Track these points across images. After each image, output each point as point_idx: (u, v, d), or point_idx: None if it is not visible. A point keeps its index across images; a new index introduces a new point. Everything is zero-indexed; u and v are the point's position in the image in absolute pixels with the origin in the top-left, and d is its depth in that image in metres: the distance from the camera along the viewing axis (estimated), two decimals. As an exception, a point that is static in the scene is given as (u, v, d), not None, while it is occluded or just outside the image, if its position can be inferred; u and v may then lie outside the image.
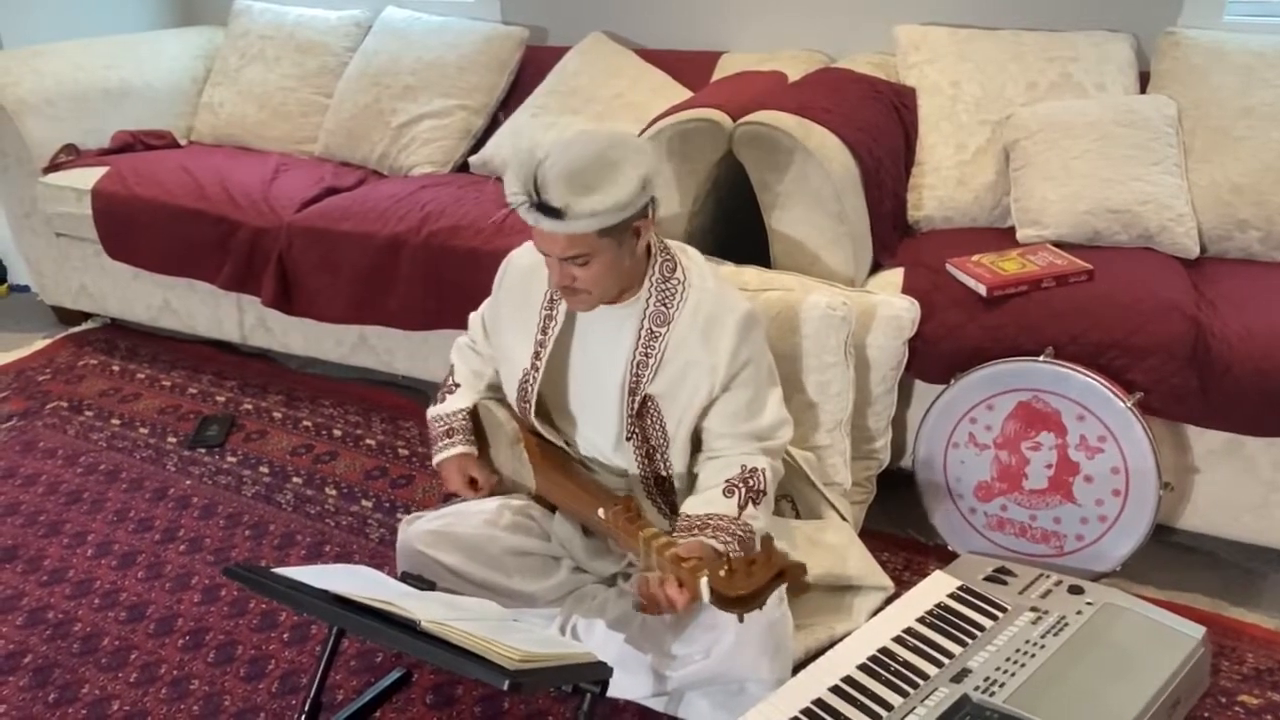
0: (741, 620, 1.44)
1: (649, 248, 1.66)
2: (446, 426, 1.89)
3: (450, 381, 1.95)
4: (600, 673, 1.45)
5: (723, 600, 1.39)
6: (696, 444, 1.72)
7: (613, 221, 1.51)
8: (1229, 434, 1.97)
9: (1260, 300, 2.03)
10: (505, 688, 1.23)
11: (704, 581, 1.40)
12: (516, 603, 1.75)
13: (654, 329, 1.66)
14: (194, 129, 3.50)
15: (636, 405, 1.68)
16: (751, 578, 1.38)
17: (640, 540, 1.54)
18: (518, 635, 1.40)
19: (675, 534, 1.60)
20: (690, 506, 1.64)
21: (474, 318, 1.95)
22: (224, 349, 3.18)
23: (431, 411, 1.93)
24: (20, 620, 2.05)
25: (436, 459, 1.88)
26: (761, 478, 1.65)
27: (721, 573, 1.39)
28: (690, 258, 1.71)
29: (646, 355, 1.66)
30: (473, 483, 1.86)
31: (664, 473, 1.73)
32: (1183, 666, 1.63)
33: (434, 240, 2.54)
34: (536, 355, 1.74)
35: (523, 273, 1.79)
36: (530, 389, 1.75)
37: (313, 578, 1.48)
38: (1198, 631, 1.70)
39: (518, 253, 1.83)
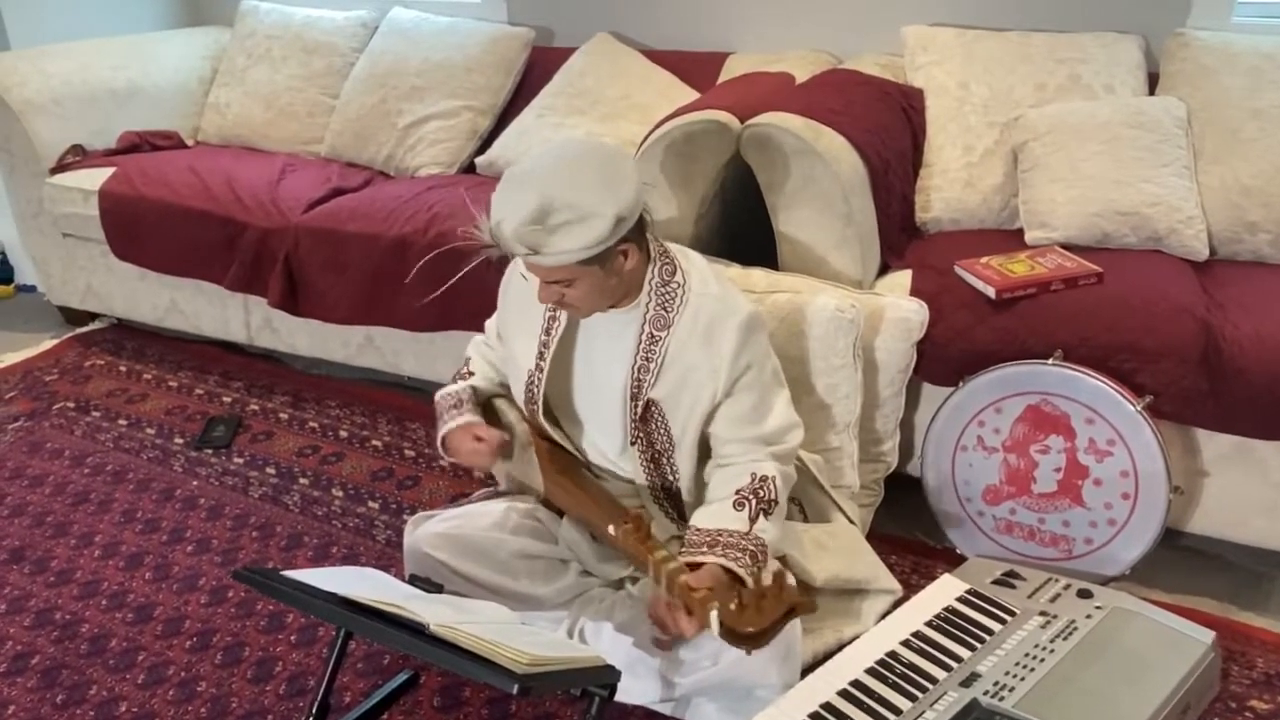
0: (749, 654, 1.43)
1: (647, 252, 1.66)
2: (455, 399, 1.85)
3: (465, 370, 1.94)
4: (609, 676, 1.44)
5: (732, 635, 1.38)
6: (705, 450, 1.71)
7: (588, 255, 1.51)
8: (1239, 437, 1.97)
9: (1270, 303, 2.02)
10: (514, 691, 1.23)
11: (714, 615, 1.38)
12: (524, 606, 1.74)
13: (654, 333, 1.65)
14: (201, 129, 3.51)
15: (639, 410, 1.67)
16: (762, 614, 1.37)
17: (650, 563, 1.53)
18: (526, 638, 1.40)
19: (685, 549, 1.59)
20: (700, 519, 1.63)
21: (490, 322, 1.96)
22: (230, 350, 3.18)
23: (440, 392, 1.90)
24: (28, 621, 2.05)
25: (443, 430, 1.82)
26: (772, 487, 1.63)
27: (732, 606, 1.38)
28: (691, 261, 1.70)
29: (648, 360, 1.66)
30: (479, 441, 1.79)
31: (670, 477, 1.72)
32: (1193, 671, 1.62)
33: (441, 241, 2.54)
34: (541, 355, 1.74)
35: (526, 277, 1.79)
36: (536, 390, 1.75)
37: (321, 580, 1.48)
38: (1207, 636, 1.69)
39: None
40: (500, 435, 1.80)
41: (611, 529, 1.61)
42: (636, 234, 1.59)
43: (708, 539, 1.58)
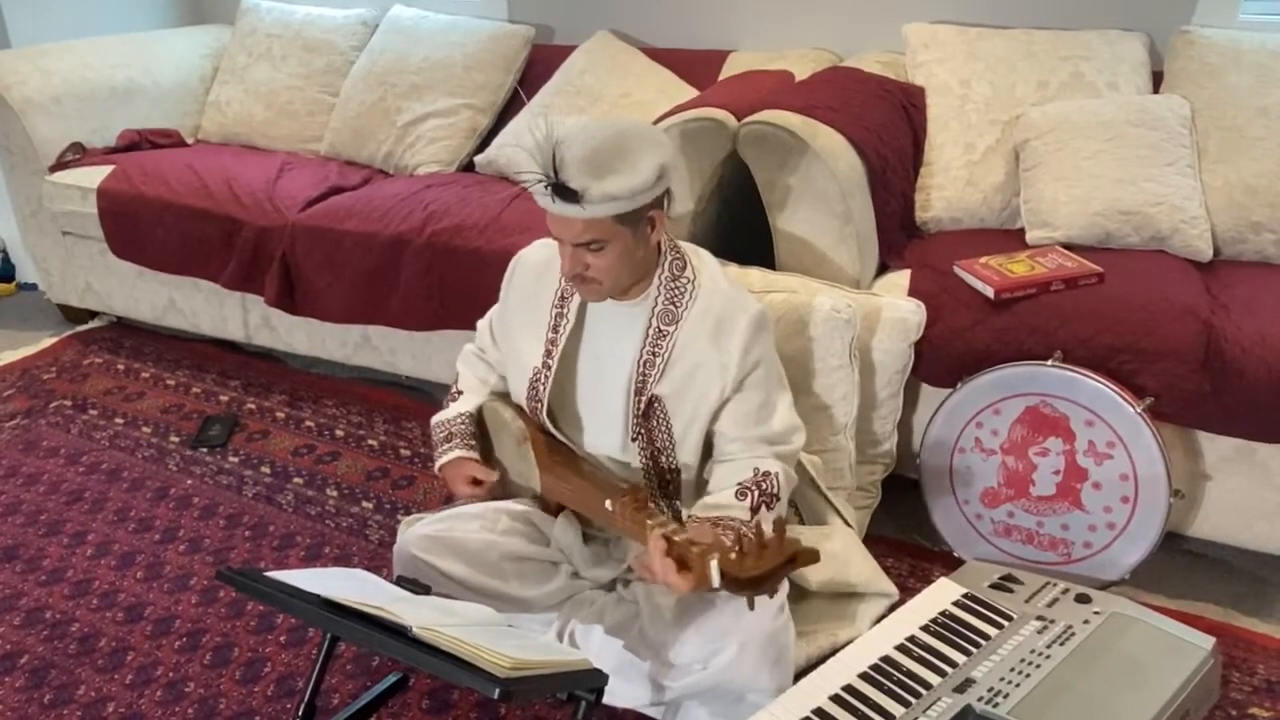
0: (752, 607, 1.40)
1: (659, 245, 1.65)
2: (446, 431, 1.87)
3: (454, 389, 1.94)
4: (595, 680, 1.42)
5: (734, 583, 1.34)
6: (709, 450, 1.70)
7: (629, 207, 1.51)
8: (1241, 440, 1.94)
9: (1274, 304, 1.99)
10: (495, 696, 1.21)
11: (714, 564, 1.35)
12: (514, 608, 1.72)
13: (662, 328, 1.64)
14: (201, 128, 3.50)
15: (643, 406, 1.66)
16: (762, 560, 1.34)
17: (649, 530, 1.50)
18: (511, 642, 1.38)
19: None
20: (701, 508, 1.61)
21: (482, 324, 1.94)
22: (228, 348, 3.18)
23: (435, 418, 1.91)
24: (18, 620, 2.04)
25: (437, 465, 1.87)
26: (774, 482, 1.62)
27: (732, 555, 1.36)
28: (701, 259, 1.70)
29: (654, 354, 1.64)
30: (476, 483, 1.83)
31: (669, 476, 1.70)
32: (1192, 678, 1.59)
33: (437, 240, 2.53)
34: (548, 353, 1.73)
35: (533, 270, 1.78)
36: (542, 388, 1.74)
37: (306, 581, 1.46)
38: (1208, 642, 1.66)
39: (527, 251, 1.81)
40: (495, 475, 1.83)
41: (609, 504, 1.59)
42: (663, 205, 1.60)
43: (708, 523, 1.56)
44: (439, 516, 1.78)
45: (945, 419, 2.05)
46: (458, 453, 1.83)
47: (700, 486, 1.70)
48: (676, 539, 1.43)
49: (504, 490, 1.89)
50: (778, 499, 1.62)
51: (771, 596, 1.38)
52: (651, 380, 1.65)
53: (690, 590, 1.41)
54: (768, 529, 1.39)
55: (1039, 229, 2.28)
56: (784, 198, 2.13)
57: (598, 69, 2.97)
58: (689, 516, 1.61)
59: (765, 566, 1.33)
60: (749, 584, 1.34)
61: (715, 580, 1.35)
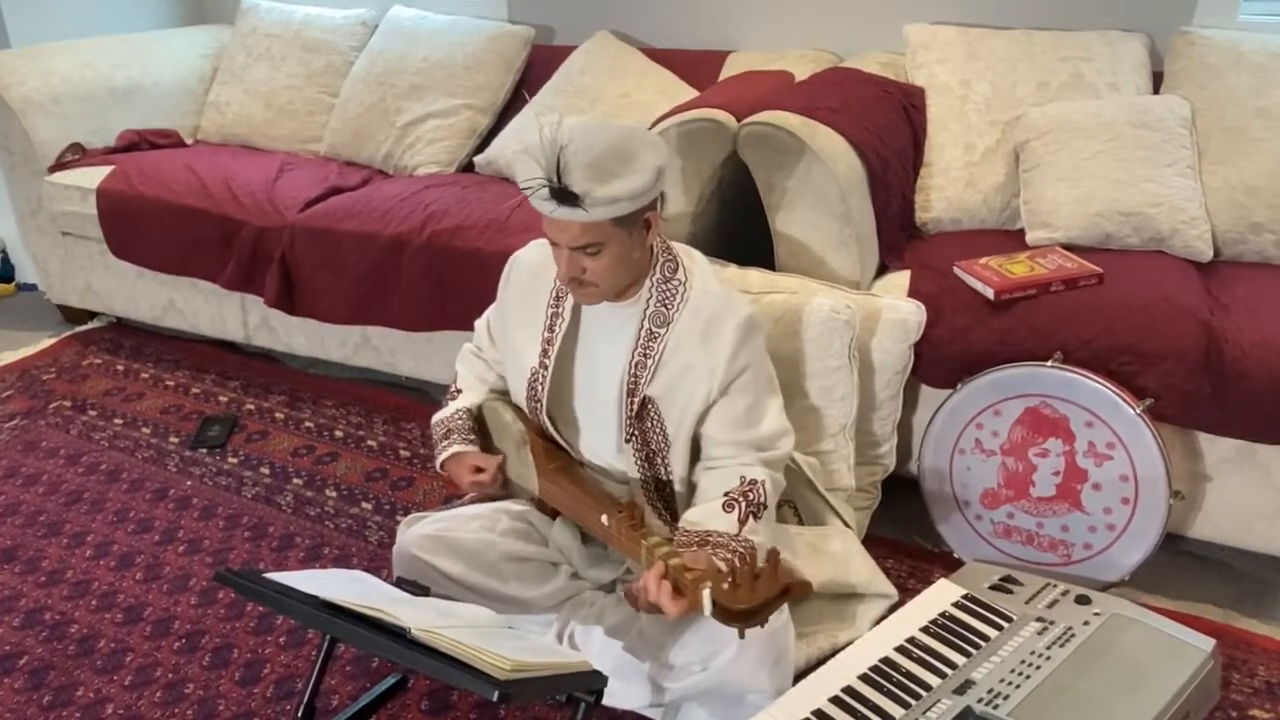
0: (742, 636, 1.41)
1: (652, 247, 1.65)
2: (445, 429, 1.88)
3: (453, 388, 1.94)
4: (594, 682, 1.42)
5: (725, 613, 1.35)
6: (697, 452, 1.70)
7: (628, 210, 1.52)
8: (1241, 441, 1.93)
9: (1275, 305, 1.99)
10: (495, 698, 1.21)
11: (706, 593, 1.36)
12: (513, 609, 1.72)
13: (653, 329, 1.64)
14: (200, 128, 3.50)
15: (635, 407, 1.66)
16: (755, 592, 1.34)
17: (643, 549, 1.51)
18: (510, 643, 1.38)
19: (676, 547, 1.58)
20: (689, 521, 1.61)
21: (479, 324, 1.94)
22: (228, 349, 3.18)
23: (434, 417, 1.92)
24: (17, 621, 2.04)
25: (438, 461, 1.87)
26: (761, 490, 1.62)
27: (725, 585, 1.36)
28: (694, 260, 1.70)
29: (645, 356, 1.65)
30: (479, 472, 1.82)
31: (665, 477, 1.71)
32: (1192, 679, 1.59)
33: (436, 241, 2.52)
34: (545, 353, 1.73)
35: (529, 271, 1.78)
36: (541, 387, 1.74)
37: (305, 583, 1.46)
38: (1208, 644, 1.66)
39: (523, 251, 1.82)
40: (497, 459, 1.82)
41: (604, 519, 1.59)
42: (657, 207, 1.60)
43: (697, 539, 1.57)
44: (439, 517, 1.78)
45: (945, 420, 2.05)
46: (456, 447, 1.83)
47: (691, 490, 1.70)
48: (671, 563, 1.44)
49: (505, 489, 1.89)
50: (765, 507, 1.62)
51: (763, 627, 1.38)
52: (643, 382, 1.65)
53: (681, 615, 1.42)
54: (761, 557, 1.39)
55: (1039, 230, 2.28)
56: (784, 198, 2.13)
57: (597, 69, 2.97)
58: (678, 530, 1.61)
59: (758, 599, 1.34)
60: (740, 616, 1.34)
61: (707, 610, 1.36)
